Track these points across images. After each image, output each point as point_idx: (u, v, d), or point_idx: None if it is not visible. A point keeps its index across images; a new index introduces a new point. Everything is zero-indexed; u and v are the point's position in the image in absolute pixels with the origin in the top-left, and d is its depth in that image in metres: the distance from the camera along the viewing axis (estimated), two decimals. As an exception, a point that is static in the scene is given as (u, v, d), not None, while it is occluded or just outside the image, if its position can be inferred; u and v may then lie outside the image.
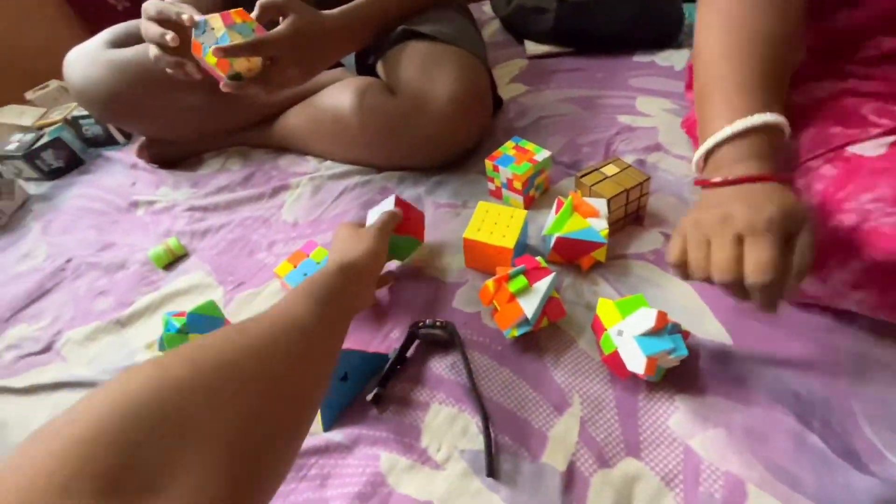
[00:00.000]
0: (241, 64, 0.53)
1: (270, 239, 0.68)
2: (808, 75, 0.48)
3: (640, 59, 0.88)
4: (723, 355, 0.45)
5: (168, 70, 0.57)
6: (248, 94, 0.56)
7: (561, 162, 0.70)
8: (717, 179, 0.37)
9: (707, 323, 0.48)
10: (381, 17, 0.68)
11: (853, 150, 0.39)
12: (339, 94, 0.71)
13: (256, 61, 0.54)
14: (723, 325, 0.47)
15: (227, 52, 0.50)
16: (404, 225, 0.54)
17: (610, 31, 0.87)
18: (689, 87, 0.68)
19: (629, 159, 0.67)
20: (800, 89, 0.47)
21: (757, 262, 0.32)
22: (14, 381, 0.56)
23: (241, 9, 0.53)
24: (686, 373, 0.45)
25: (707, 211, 0.36)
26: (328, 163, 0.79)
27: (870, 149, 0.38)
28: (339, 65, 0.84)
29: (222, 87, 0.54)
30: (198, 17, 0.51)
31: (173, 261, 0.68)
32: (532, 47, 0.95)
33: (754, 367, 0.44)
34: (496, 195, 0.67)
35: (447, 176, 0.71)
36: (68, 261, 0.71)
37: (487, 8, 1.12)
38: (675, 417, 0.42)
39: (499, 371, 0.48)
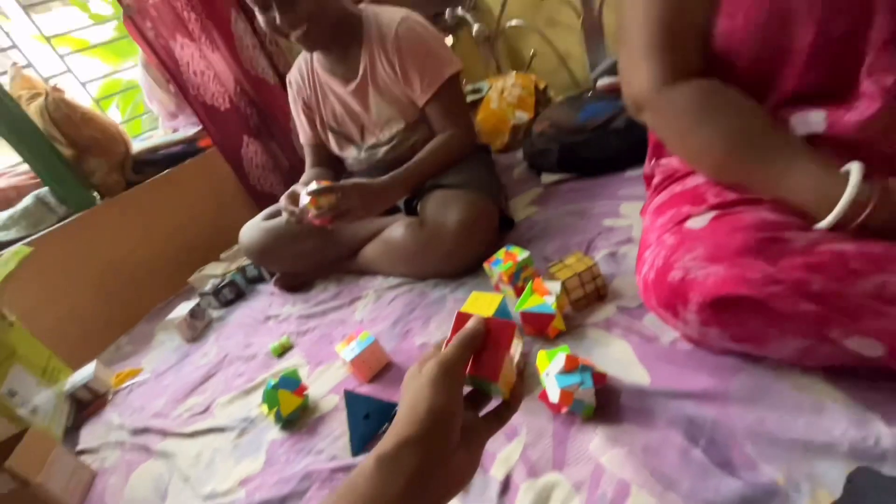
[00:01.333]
0: (325, 201, 0.88)
1: (344, 333, 0.96)
2: (684, 174, 0.64)
3: (630, 174, 1.07)
4: (640, 393, 0.56)
5: (293, 222, 0.95)
6: (334, 226, 0.91)
7: (552, 259, 0.89)
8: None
9: (633, 370, 0.59)
10: (417, 178, 1.02)
11: (688, 224, 0.54)
12: (391, 231, 1.04)
13: (332, 199, 0.88)
14: (646, 370, 0.58)
15: (317, 193, 0.86)
16: (486, 353, 0.37)
17: (601, 157, 1.10)
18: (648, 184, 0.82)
19: (603, 252, 0.84)
20: (680, 182, 0.63)
21: None
22: (184, 429, 0.88)
23: (314, 183, 0.90)
24: (610, 409, 0.56)
25: None
26: (390, 279, 1.09)
27: (698, 222, 0.53)
28: (397, 210, 1.19)
29: (315, 222, 0.89)
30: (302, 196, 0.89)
31: (284, 352, 1.00)
32: (546, 177, 1.21)
33: (663, 401, 0.54)
34: (497, 289, 0.87)
35: (466, 279, 0.95)
36: (226, 356, 1.08)
37: (520, 154, 1.44)
38: (594, 441, 0.53)
39: (474, 413, 0.64)
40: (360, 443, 0.67)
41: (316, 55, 1.13)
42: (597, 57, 1.53)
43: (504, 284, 0.84)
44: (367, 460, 0.31)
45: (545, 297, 0.70)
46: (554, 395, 0.56)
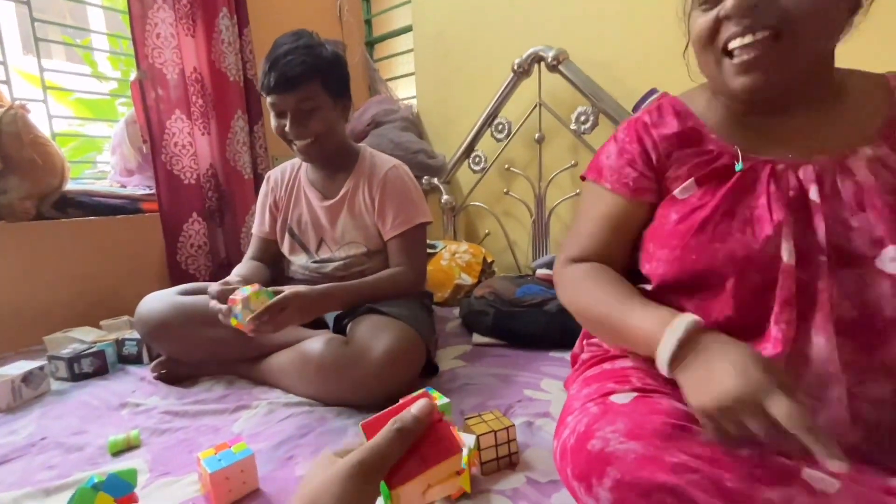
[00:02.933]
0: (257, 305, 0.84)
1: (214, 443, 0.80)
2: (614, 356, 0.69)
3: (554, 354, 1.13)
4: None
5: (220, 318, 0.87)
6: (261, 332, 0.84)
7: (469, 414, 0.85)
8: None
9: (536, 553, 0.53)
10: (358, 297, 1.02)
11: (612, 398, 0.56)
12: (312, 342, 0.97)
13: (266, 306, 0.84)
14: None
15: (257, 317, 0.82)
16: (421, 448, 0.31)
17: (529, 331, 1.17)
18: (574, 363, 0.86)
19: (521, 419, 0.82)
20: (610, 361, 0.68)
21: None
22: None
23: (256, 286, 0.86)
24: None
25: (710, 393, 0.44)
26: (290, 395, 0.97)
27: (621, 398, 0.55)
28: (322, 325, 1.14)
29: (249, 332, 0.84)
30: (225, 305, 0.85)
31: (126, 449, 0.79)
32: (477, 338, 1.24)
33: None
34: (406, 432, 0.80)
35: (374, 413, 0.87)
36: (42, 439, 0.84)
37: (456, 311, 1.50)
38: None
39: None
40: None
41: (305, 167, 1.21)
42: (539, 251, 1.76)
43: (415, 427, 0.77)
44: None
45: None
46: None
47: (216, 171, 1.70)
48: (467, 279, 1.61)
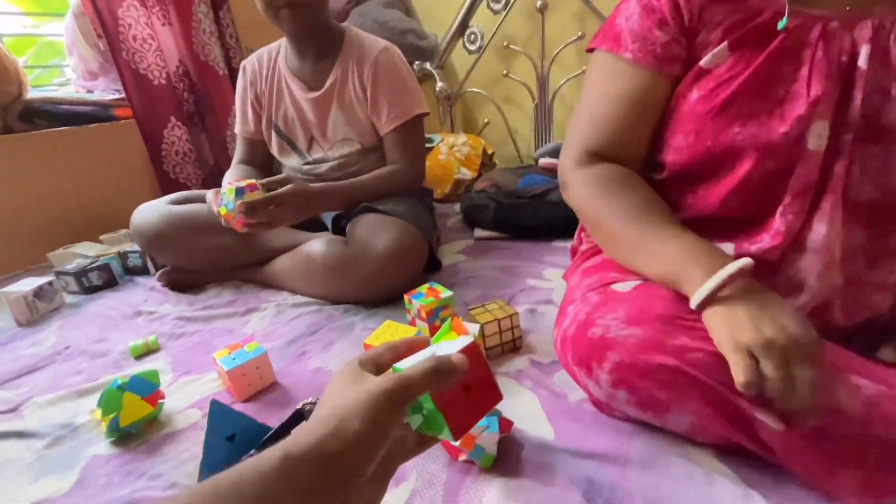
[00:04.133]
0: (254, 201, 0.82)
1: (228, 343, 0.83)
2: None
3: (557, 244, 1.13)
4: (543, 448, 0.53)
5: (212, 210, 0.87)
6: (254, 228, 0.83)
7: (472, 307, 0.87)
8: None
9: (539, 424, 0.57)
10: (356, 196, 0.98)
11: (614, 287, 0.55)
12: (312, 245, 0.96)
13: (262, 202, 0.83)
14: (552, 426, 0.56)
15: (249, 206, 0.80)
16: (462, 394, 0.31)
17: (531, 223, 1.15)
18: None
19: (524, 307, 0.84)
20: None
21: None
22: (-26, 428, 0.67)
23: (251, 181, 0.83)
24: (510, 461, 0.52)
25: (762, 331, 0.39)
26: (297, 296, 0.99)
27: (623, 287, 0.54)
28: (322, 227, 1.12)
29: (239, 227, 0.83)
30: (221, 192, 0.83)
31: (145, 354, 0.83)
32: (479, 232, 1.23)
33: (565, 458, 0.51)
34: (413, 324, 0.82)
35: (381, 310, 0.89)
36: (66, 348, 0.88)
37: (457, 207, 1.47)
38: (488, 496, 0.48)
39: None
40: (214, 468, 0.54)
41: (284, 52, 1.08)
42: (542, 138, 1.67)
43: (421, 320, 0.79)
44: (274, 452, 0.26)
45: (461, 336, 0.67)
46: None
47: (187, 68, 1.55)
48: (467, 173, 1.55)
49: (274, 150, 1.16)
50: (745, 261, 0.43)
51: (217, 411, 0.55)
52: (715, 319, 0.43)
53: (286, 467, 0.25)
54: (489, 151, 1.64)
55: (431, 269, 1.02)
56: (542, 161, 1.43)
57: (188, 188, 1.56)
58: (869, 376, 0.42)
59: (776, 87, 0.48)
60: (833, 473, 0.41)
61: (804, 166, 0.47)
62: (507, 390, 0.64)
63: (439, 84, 1.77)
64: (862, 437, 0.40)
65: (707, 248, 0.47)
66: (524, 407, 0.60)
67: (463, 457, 0.52)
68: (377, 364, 0.32)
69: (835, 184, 0.47)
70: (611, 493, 0.46)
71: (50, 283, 1.06)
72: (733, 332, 0.41)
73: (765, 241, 0.50)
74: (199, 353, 0.82)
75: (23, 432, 0.65)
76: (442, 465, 0.53)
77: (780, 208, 0.49)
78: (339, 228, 1.05)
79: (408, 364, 0.31)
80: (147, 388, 0.64)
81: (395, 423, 0.28)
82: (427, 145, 1.68)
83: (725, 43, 0.50)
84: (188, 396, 0.70)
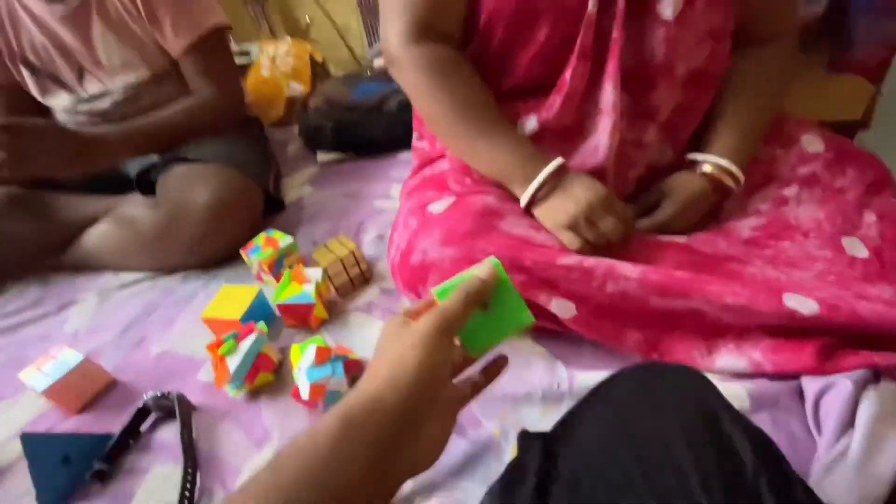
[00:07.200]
0: None
1: (49, 353, 0.72)
2: (434, 158, 0.68)
3: (403, 156, 1.11)
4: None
5: None
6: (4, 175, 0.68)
7: (321, 243, 0.84)
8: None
9: (389, 350, 0.61)
10: (152, 139, 0.83)
11: (429, 208, 0.57)
12: (119, 210, 0.82)
13: None
14: (400, 349, 0.60)
15: None
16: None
17: (372, 137, 1.10)
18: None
19: (371, 235, 0.84)
20: (430, 166, 0.67)
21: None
22: None
23: None
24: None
25: (567, 211, 0.52)
26: (122, 274, 0.87)
27: (438, 207, 0.56)
28: (128, 188, 0.96)
29: None
30: None
31: (-64, 391, 0.69)
32: (322, 156, 1.15)
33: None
34: (259, 279, 0.79)
35: (223, 270, 0.83)
36: None
37: (296, 129, 1.33)
38: (347, 430, 0.52)
39: (220, 425, 0.56)
40: (55, 497, 0.51)
41: None
42: (375, 33, 1.52)
43: (266, 274, 0.76)
44: (329, 419, 0.26)
45: (304, 285, 0.66)
46: (304, 391, 0.52)
47: None
48: (298, 87, 1.39)
49: (34, 92, 0.91)
50: (556, 162, 0.53)
51: (33, 443, 0.50)
52: (541, 214, 0.55)
53: (346, 429, 0.25)
54: (318, 58, 1.46)
55: (273, 210, 0.95)
56: (377, 62, 1.33)
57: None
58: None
59: None
60: (621, 335, 0.51)
61: (586, 30, 0.52)
62: (359, 325, 0.66)
63: (241, -23, 1.47)
64: (641, 308, 0.49)
65: (527, 153, 0.55)
66: (375, 335, 0.63)
67: (319, 405, 0.54)
68: (419, 313, 0.32)
69: (613, 48, 0.53)
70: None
71: None
72: (554, 219, 0.54)
73: (556, 102, 0.57)
74: (9, 372, 0.69)
75: None
76: (303, 417, 0.55)
77: (569, 71, 0.55)
78: (146, 185, 0.90)
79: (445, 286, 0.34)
80: (-62, 438, 0.54)
81: (451, 352, 0.30)
82: (244, 60, 1.45)
83: None
84: (6, 426, 0.61)
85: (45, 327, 0.78)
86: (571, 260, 0.50)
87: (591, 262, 0.49)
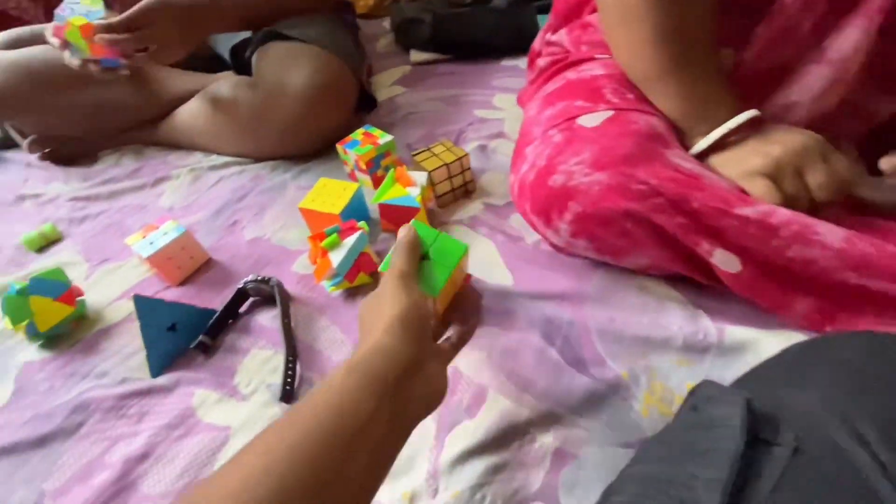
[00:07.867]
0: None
1: (144, 222, 0.73)
2: (579, 60, 0.57)
3: (506, 63, 0.98)
4: (503, 294, 0.53)
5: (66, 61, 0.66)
6: (133, 66, 0.66)
7: (416, 149, 0.78)
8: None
9: (497, 271, 0.55)
10: (251, 10, 0.77)
11: (580, 121, 0.47)
12: (213, 89, 0.78)
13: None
14: (509, 271, 0.55)
15: (111, 32, 0.61)
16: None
17: (476, 37, 0.98)
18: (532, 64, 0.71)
19: (472, 145, 0.76)
20: (575, 69, 0.56)
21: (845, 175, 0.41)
22: None
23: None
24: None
25: (770, 154, 0.41)
26: (213, 156, 0.85)
27: (590, 121, 0.47)
28: (222, 66, 0.91)
29: (95, 71, 0.66)
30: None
31: (46, 245, 0.72)
32: (415, 55, 1.04)
33: (524, 302, 0.51)
34: (353, 177, 0.74)
35: (313, 163, 0.78)
36: (-55, 248, 0.74)
37: (386, 23, 1.22)
38: (450, 346, 0.49)
39: (317, 320, 0.54)
40: (163, 360, 0.51)
41: None
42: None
43: (361, 172, 0.71)
44: (336, 370, 0.28)
45: (409, 188, 0.60)
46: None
47: None
48: (393, -25, 1.25)
49: None
50: (751, 113, 0.43)
51: (144, 306, 0.50)
52: (724, 160, 0.45)
53: (352, 373, 0.27)
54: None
55: (365, 107, 0.88)
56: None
57: (25, 23, 1.18)
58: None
59: None
60: (788, 301, 0.43)
61: None
62: (462, 238, 0.61)
63: None
64: (826, 279, 0.40)
65: (721, 98, 0.45)
66: (481, 255, 0.58)
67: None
68: None
69: None
70: (568, 330, 0.48)
71: None
72: (747, 163, 0.43)
73: (761, 36, 0.45)
74: (113, 236, 0.71)
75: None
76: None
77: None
78: (242, 64, 0.85)
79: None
80: (55, 288, 0.55)
81: (418, 293, 0.33)
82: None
83: None
84: (113, 287, 0.62)
85: (142, 198, 0.78)
86: (753, 211, 0.40)
87: (780, 217, 0.39)
